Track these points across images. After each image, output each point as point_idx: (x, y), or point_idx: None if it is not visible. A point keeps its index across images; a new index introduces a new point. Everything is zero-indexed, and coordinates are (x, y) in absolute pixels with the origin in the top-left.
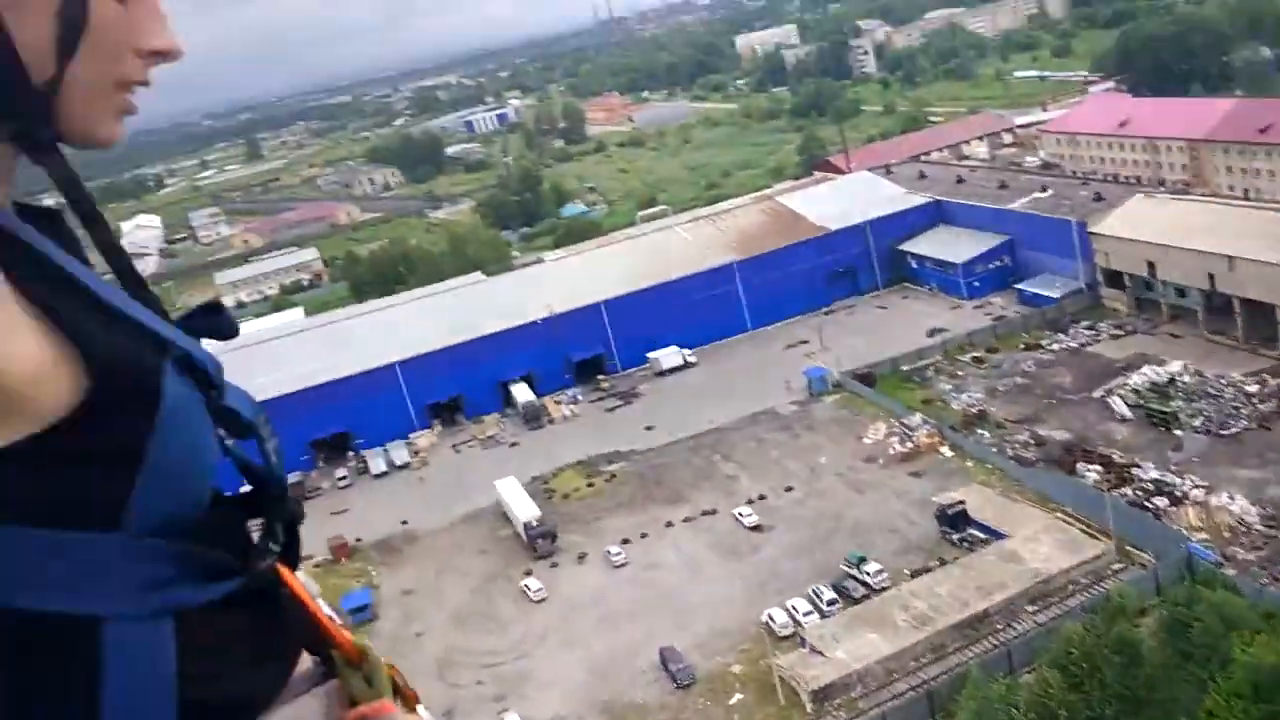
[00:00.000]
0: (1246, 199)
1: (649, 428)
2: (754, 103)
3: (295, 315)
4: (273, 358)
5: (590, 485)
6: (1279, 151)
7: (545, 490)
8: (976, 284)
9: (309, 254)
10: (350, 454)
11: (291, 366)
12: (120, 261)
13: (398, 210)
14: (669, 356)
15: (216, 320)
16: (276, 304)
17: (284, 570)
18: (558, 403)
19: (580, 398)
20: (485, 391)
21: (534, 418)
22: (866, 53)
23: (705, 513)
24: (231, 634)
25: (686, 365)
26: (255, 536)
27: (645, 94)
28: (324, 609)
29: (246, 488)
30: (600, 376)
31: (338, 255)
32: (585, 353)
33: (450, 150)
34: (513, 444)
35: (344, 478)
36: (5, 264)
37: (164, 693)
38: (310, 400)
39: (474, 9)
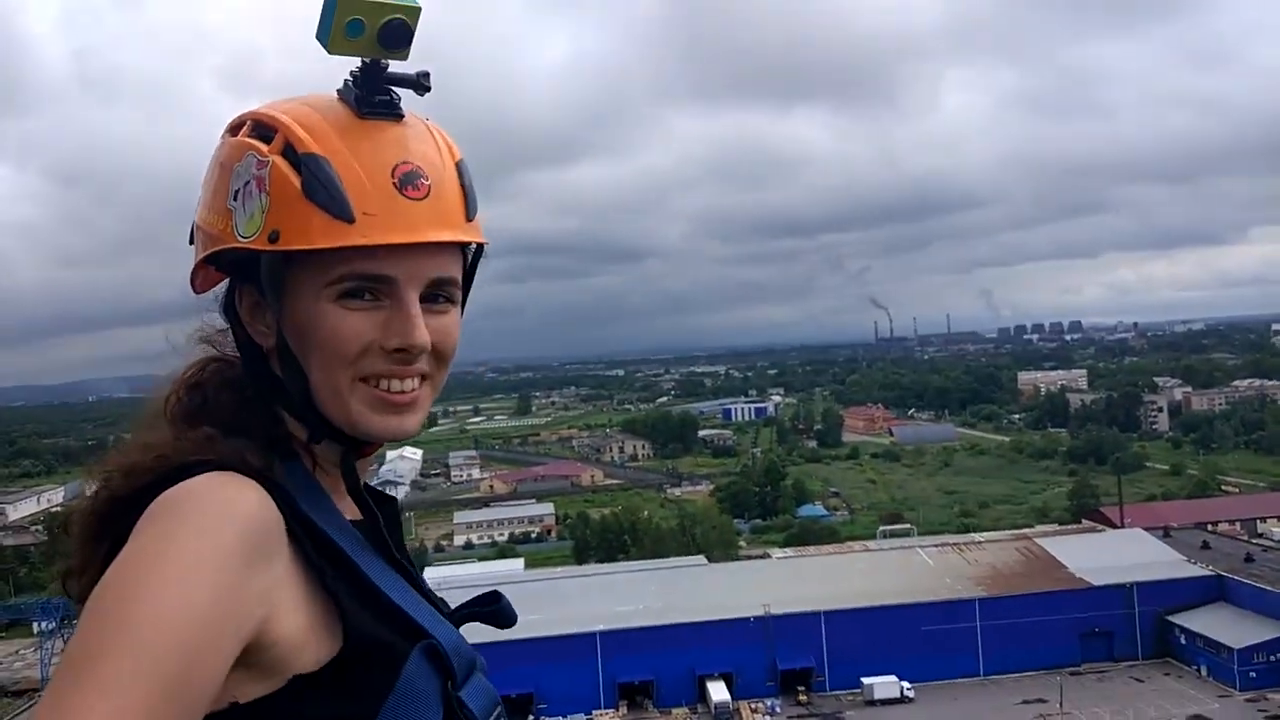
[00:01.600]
0: None
1: None
2: (1027, 438)
3: (515, 565)
4: None
5: None
6: None
7: None
8: (1253, 674)
9: (545, 508)
10: (530, 718)
11: None
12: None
13: (638, 481)
14: (886, 686)
15: (495, 608)
16: (502, 551)
17: None
18: (754, 710)
19: (779, 709)
20: (681, 682)
21: None
22: (1161, 410)
23: None
24: None
25: (904, 699)
26: None
27: (912, 412)
28: None
29: None
30: (801, 688)
31: (570, 514)
32: (794, 663)
33: (702, 433)
34: None
35: None
36: (303, 543)
37: None
38: (503, 654)
39: (760, 311)
